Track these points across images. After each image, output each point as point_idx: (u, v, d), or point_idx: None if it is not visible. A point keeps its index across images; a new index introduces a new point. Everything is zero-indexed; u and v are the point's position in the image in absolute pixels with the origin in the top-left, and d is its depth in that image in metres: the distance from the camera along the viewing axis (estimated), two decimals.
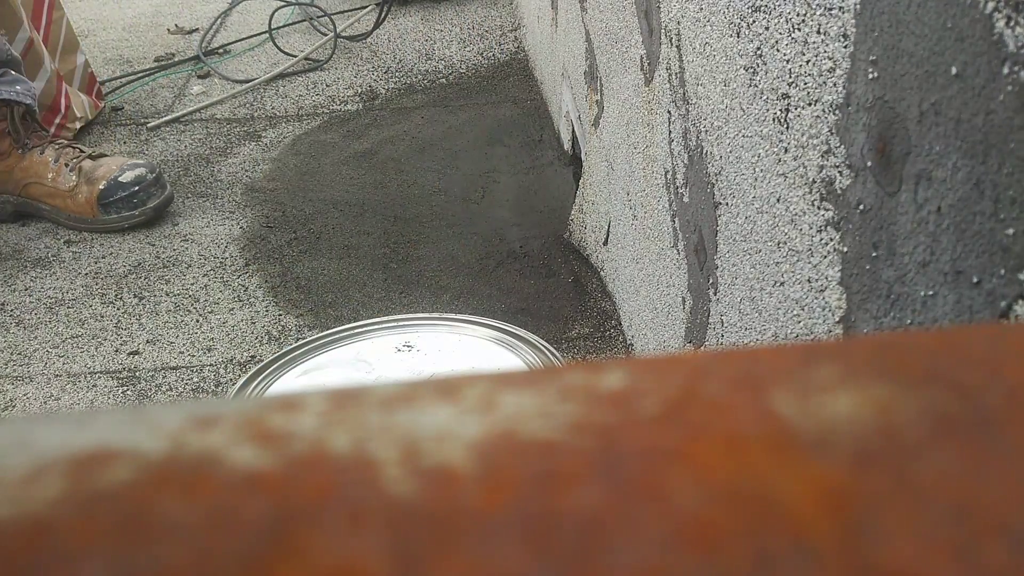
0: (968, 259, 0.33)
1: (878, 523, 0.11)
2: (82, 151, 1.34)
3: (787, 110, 0.49)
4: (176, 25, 1.97)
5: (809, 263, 0.49)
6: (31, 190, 1.32)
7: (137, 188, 1.29)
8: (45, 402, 1.01)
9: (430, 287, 1.16)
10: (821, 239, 0.47)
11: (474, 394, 0.13)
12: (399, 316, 0.99)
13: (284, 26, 1.89)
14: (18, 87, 1.31)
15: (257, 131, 1.56)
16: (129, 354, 1.06)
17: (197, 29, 1.94)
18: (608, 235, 1.06)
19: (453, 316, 0.98)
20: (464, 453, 0.12)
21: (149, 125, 1.57)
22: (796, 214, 0.50)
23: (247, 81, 1.69)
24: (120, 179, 1.29)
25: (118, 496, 0.11)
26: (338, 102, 1.64)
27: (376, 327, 0.97)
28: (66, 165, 1.31)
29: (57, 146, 1.34)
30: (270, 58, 1.79)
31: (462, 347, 0.93)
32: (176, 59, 1.81)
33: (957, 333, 0.16)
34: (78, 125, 1.52)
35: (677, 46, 0.70)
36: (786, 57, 0.49)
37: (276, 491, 0.11)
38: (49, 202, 1.31)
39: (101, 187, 1.28)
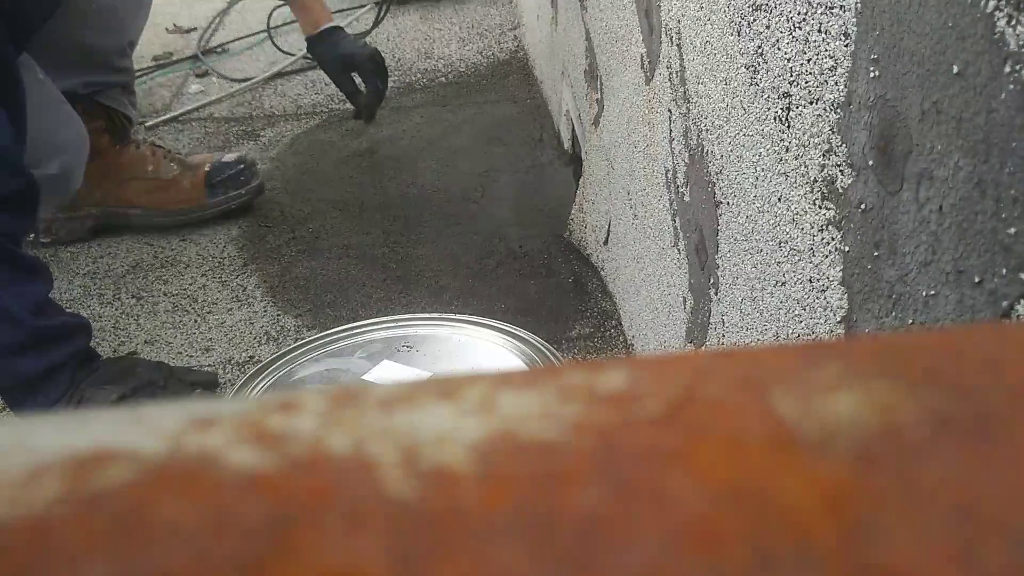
0: (970, 258, 0.33)
1: (879, 524, 0.11)
2: (167, 149, 1.35)
3: (788, 109, 0.49)
4: (174, 24, 1.97)
5: (810, 262, 0.49)
6: (127, 189, 1.28)
7: (242, 166, 1.31)
8: None
9: (429, 287, 1.16)
10: (822, 238, 0.47)
11: (474, 394, 0.13)
12: (399, 316, 0.99)
13: (283, 25, 1.89)
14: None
15: (255, 130, 1.56)
16: (127, 354, 1.06)
17: (195, 28, 1.94)
18: (608, 234, 1.06)
19: (453, 316, 0.98)
20: (464, 454, 0.12)
21: (147, 124, 1.57)
22: (797, 213, 0.50)
23: (245, 80, 1.69)
24: (224, 160, 1.31)
25: (117, 497, 0.11)
26: (337, 101, 1.64)
27: (376, 327, 0.97)
28: (164, 157, 1.31)
29: (147, 142, 1.35)
30: (268, 57, 1.79)
31: (462, 347, 0.93)
32: (174, 58, 1.81)
33: (959, 333, 0.16)
34: None
35: (678, 44, 0.70)
36: (787, 56, 0.49)
37: (275, 492, 0.11)
38: (145, 199, 1.28)
39: (207, 168, 1.29)
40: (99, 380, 0.93)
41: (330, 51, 1.35)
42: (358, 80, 1.39)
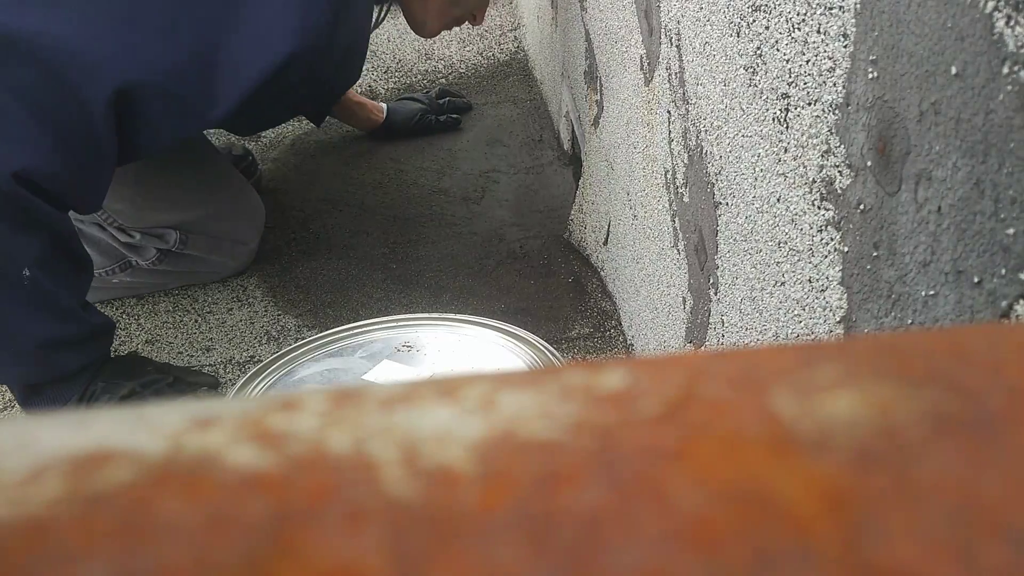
0: (969, 259, 0.33)
1: (878, 523, 0.11)
2: None
3: (787, 110, 0.49)
4: None
5: (810, 263, 0.49)
6: None
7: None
8: None
9: (430, 287, 1.16)
10: (822, 239, 0.47)
11: (474, 394, 0.13)
12: (399, 316, 0.99)
13: None
14: None
15: None
16: (129, 353, 1.06)
17: None
18: (608, 235, 1.06)
19: (453, 316, 0.98)
20: (464, 454, 0.12)
21: None
22: (796, 214, 0.50)
23: None
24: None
25: (117, 496, 0.11)
26: None
27: (376, 327, 0.97)
28: None
29: None
30: None
31: (462, 347, 0.93)
32: None
33: (957, 333, 0.16)
34: None
35: (677, 46, 0.70)
36: (786, 57, 0.49)
37: (276, 491, 0.11)
38: None
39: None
40: (110, 375, 0.93)
41: (402, 132, 1.49)
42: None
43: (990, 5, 0.30)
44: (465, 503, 0.11)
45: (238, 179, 1.21)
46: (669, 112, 0.74)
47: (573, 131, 1.34)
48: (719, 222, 0.64)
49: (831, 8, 0.43)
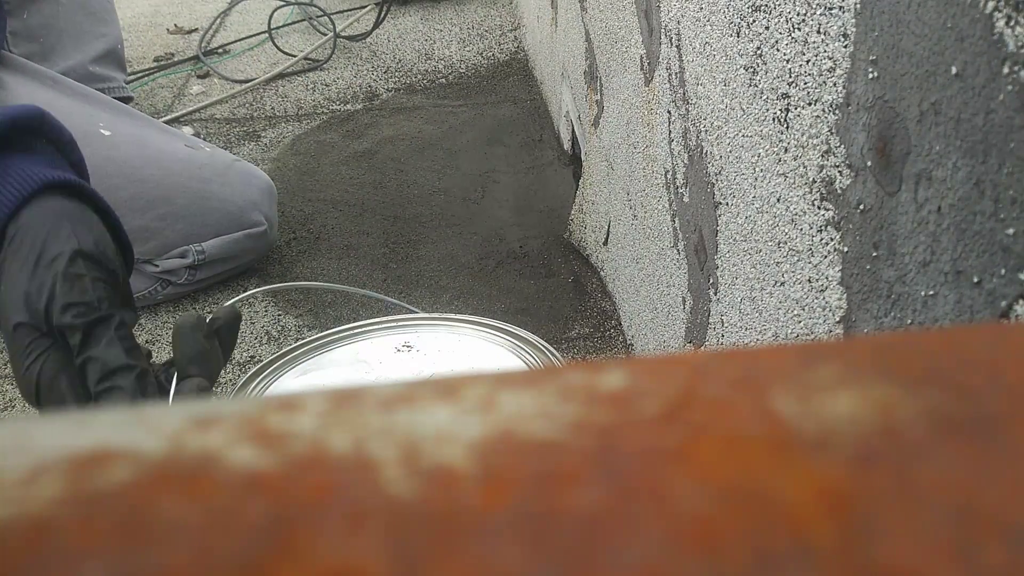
0: (968, 259, 0.33)
1: (878, 523, 0.11)
2: None
3: (787, 110, 0.49)
4: (175, 25, 1.97)
5: (809, 263, 0.49)
6: None
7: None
8: None
9: (430, 287, 1.16)
10: (821, 239, 0.47)
11: (474, 394, 0.13)
12: (399, 316, 0.99)
13: (283, 26, 1.89)
14: None
15: (256, 131, 1.56)
16: None
17: (196, 29, 1.94)
18: (608, 235, 1.06)
19: (453, 316, 0.98)
20: (464, 453, 0.12)
21: None
22: (796, 214, 0.50)
23: (246, 81, 1.69)
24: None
25: (117, 496, 0.11)
26: (337, 102, 1.64)
27: (376, 327, 0.97)
28: None
29: None
30: (269, 58, 1.79)
31: (462, 347, 0.93)
32: (175, 59, 1.81)
33: (957, 333, 0.16)
34: None
35: (677, 46, 0.70)
36: (786, 57, 0.49)
37: (276, 491, 0.11)
38: None
39: None
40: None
41: None
42: None
43: (990, 5, 0.30)
44: (465, 503, 0.11)
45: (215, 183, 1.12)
46: (669, 112, 0.74)
47: (573, 131, 1.34)
48: (719, 222, 0.64)
49: (831, 8, 0.43)
